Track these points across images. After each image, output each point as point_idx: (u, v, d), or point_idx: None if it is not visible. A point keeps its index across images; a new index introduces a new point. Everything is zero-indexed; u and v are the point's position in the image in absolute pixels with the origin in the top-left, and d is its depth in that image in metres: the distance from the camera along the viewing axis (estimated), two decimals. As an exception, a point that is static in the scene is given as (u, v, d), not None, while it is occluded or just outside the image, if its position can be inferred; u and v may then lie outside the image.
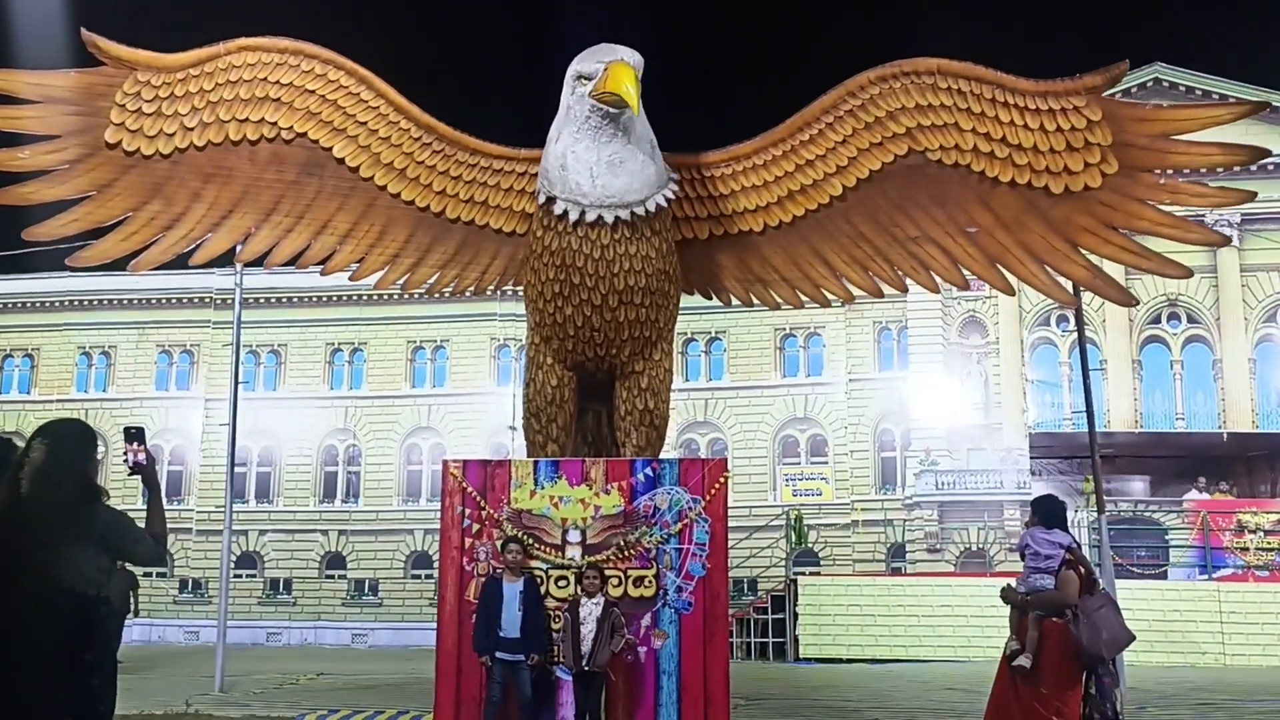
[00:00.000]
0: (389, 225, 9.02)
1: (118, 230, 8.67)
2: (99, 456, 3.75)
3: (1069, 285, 9.50)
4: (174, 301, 38.56)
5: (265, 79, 8.66)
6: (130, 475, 3.91)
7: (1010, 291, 9.28)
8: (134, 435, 3.96)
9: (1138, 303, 10.00)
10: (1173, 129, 8.43)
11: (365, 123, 8.80)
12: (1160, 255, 8.84)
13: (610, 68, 7.95)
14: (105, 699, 3.43)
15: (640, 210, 8.16)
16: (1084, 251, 8.66)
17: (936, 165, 8.59)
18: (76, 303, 39.46)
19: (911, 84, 8.53)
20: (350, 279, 9.41)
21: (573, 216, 8.13)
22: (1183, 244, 9.01)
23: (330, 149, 8.80)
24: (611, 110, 8.04)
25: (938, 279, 8.98)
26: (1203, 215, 28.56)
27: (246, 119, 8.66)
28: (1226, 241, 9.14)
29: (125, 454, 3.89)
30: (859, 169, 8.71)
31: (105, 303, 39.27)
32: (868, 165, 8.70)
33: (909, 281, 9.32)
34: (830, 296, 9.34)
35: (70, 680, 3.33)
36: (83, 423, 3.78)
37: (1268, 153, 8.07)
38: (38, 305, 39.59)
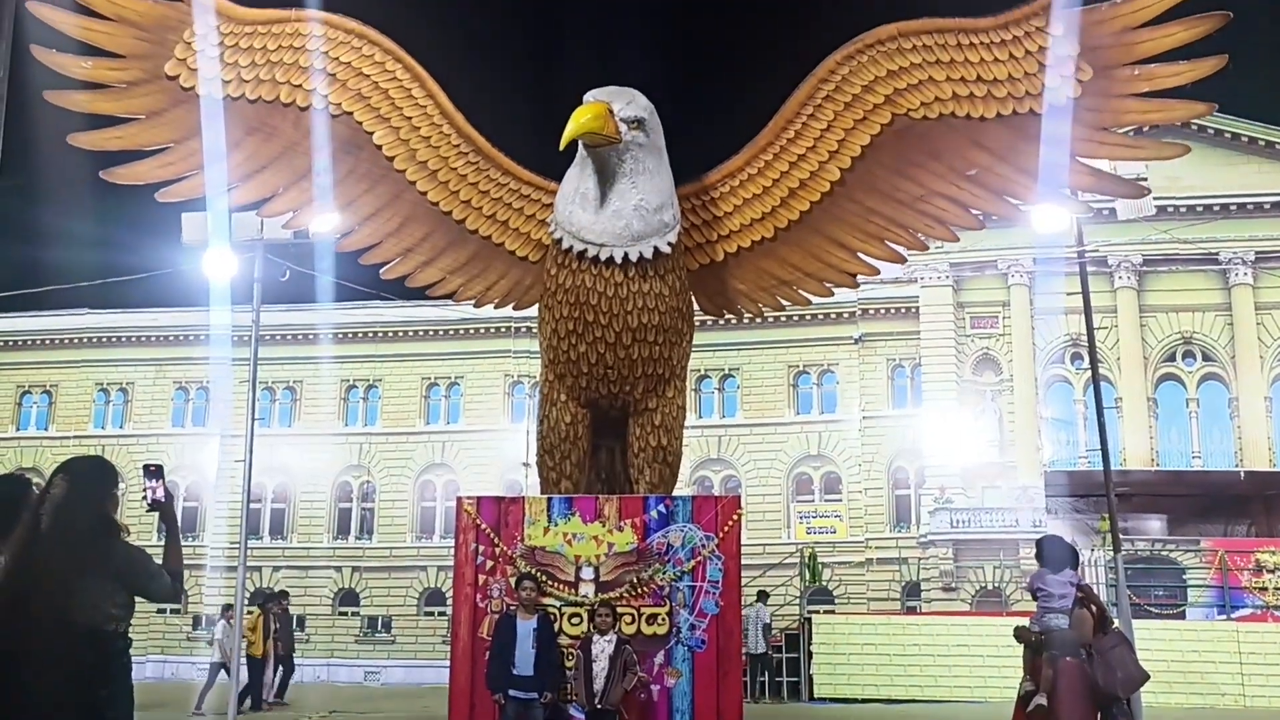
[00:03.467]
0: (410, 219, 9.21)
1: (156, 157, 8.96)
2: (118, 493, 3.79)
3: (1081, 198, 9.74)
4: (190, 338, 38.81)
5: (325, 52, 8.92)
6: (149, 512, 3.95)
7: (1019, 215, 9.59)
8: (153, 472, 3.99)
9: (1148, 193, 10.11)
10: (1134, 20, 8.59)
11: (410, 118, 9.02)
12: (1154, 141, 9.10)
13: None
14: None
15: (635, 254, 8.22)
16: (1082, 160, 8.84)
17: (923, 122, 8.75)
18: (94, 339, 39.73)
19: (878, 53, 8.71)
20: (359, 261, 9.55)
21: (576, 249, 8.24)
22: (1171, 123, 9.26)
23: (371, 133, 9.03)
24: (594, 150, 8.14)
25: (955, 229, 9.12)
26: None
27: (300, 85, 8.93)
28: (1210, 109, 9.13)
29: (144, 490, 3.93)
30: (850, 148, 8.85)
31: (123, 339, 39.53)
32: (858, 142, 8.84)
33: (928, 249, 9.47)
34: (857, 276, 9.45)
35: (86, 715, 3.35)
36: (103, 459, 3.83)
37: (1228, 16, 8.23)
38: (56, 342, 39.87)
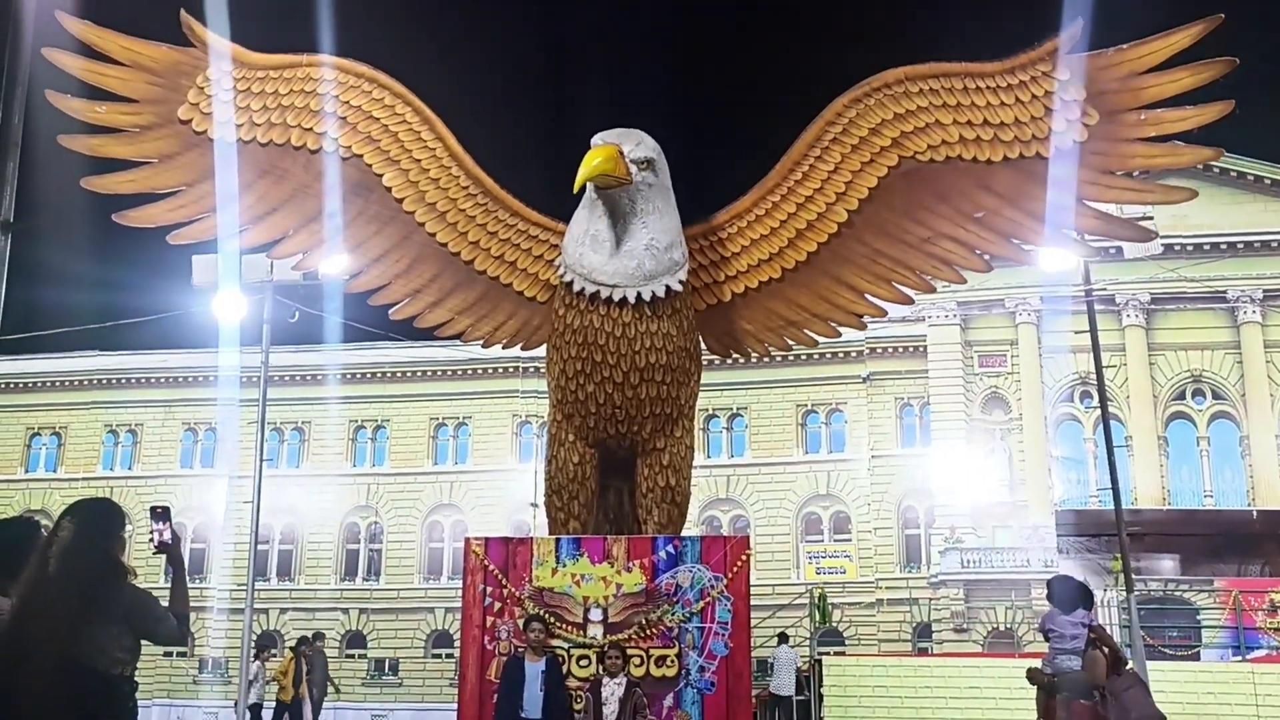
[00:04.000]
0: (419, 260, 9.28)
1: (168, 200, 9.06)
2: (125, 535, 3.79)
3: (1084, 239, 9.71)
4: (199, 379, 38.94)
5: (337, 97, 9.04)
6: (155, 554, 3.93)
7: (1028, 262, 9.50)
8: (160, 514, 3.97)
9: (1156, 236, 10.09)
10: (1140, 65, 8.59)
11: (419, 160, 9.12)
12: (1162, 185, 9.11)
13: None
14: None
15: (648, 293, 8.27)
16: (1089, 203, 8.85)
17: (930, 165, 8.78)
18: (104, 381, 39.89)
19: (885, 96, 8.76)
20: (369, 303, 9.63)
21: (589, 292, 8.28)
22: (1178, 167, 9.25)
23: (381, 176, 9.13)
24: (604, 191, 8.22)
25: (962, 270, 9.14)
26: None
27: (310, 129, 9.04)
28: (1219, 154, 9.17)
29: (151, 533, 3.91)
30: (858, 190, 8.88)
31: (132, 381, 39.69)
32: (865, 184, 8.88)
33: (935, 291, 9.48)
34: (864, 317, 9.47)
35: None
36: (110, 502, 3.82)
37: (1234, 63, 8.27)
38: (66, 384, 40.03)
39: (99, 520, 3.65)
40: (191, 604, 3.84)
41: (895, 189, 8.85)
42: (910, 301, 9.56)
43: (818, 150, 8.87)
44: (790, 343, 9.46)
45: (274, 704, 16.98)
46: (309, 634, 20.22)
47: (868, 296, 9.21)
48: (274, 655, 18.44)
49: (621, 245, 8.28)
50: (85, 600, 3.43)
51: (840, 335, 9.56)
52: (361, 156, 9.12)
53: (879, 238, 9.00)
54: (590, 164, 7.99)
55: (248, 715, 17.26)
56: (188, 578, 3.85)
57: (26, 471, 39.91)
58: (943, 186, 8.85)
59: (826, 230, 8.96)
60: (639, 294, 8.24)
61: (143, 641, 3.61)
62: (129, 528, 3.84)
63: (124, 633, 3.44)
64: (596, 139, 8.31)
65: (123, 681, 3.45)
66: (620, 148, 8.16)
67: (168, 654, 34.17)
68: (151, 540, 3.88)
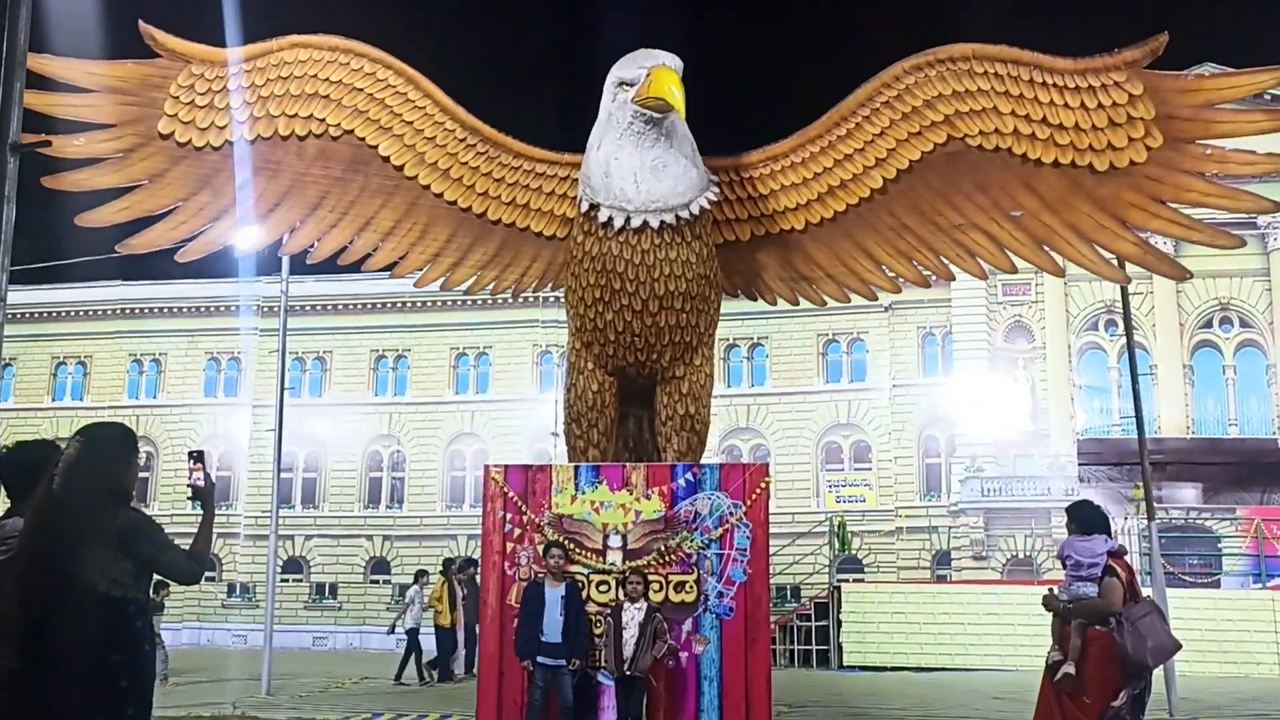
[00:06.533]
0: (430, 224, 9.12)
1: (167, 219, 8.89)
2: (135, 461, 3.76)
3: (1117, 262, 9.41)
4: (222, 309, 39.11)
5: (315, 75, 8.82)
6: (189, 499, 3.92)
7: (1059, 273, 9.20)
8: (195, 456, 3.94)
9: (1190, 275, 9.70)
10: (1216, 98, 8.28)
11: (411, 122, 8.91)
12: (1211, 227, 8.72)
13: (653, 73, 7.97)
14: (136, 701, 3.43)
15: (685, 214, 8.18)
16: (1132, 227, 8.56)
17: (977, 151, 8.51)
18: (128, 310, 40.12)
19: (947, 71, 8.46)
20: (391, 276, 9.52)
21: (618, 223, 8.14)
22: (1233, 212, 8.86)
23: (376, 147, 8.93)
24: (655, 115, 8.06)
25: (985, 265, 8.92)
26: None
27: (295, 115, 8.82)
28: (1277, 207, 8.66)
29: (190, 475, 3.89)
30: (899, 160, 8.65)
31: (155, 310, 39.90)
32: (907, 156, 8.64)
33: (956, 276, 9.26)
34: (876, 290, 9.29)
35: (97, 681, 3.34)
36: (123, 426, 3.78)
37: None
38: (91, 314, 40.30)
39: (105, 443, 3.63)
40: (221, 530, 3.82)
41: (937, 168, 8.59)
42: (927, 284, 9.37)
43: (867, 110, 8.62)
44: (799, 298, 9.30)
45: (433, 629, 16.99)
46: (456, 557, 20.20)
47: (885, 269, 9.03)
48: (429, 581, 18.44)
49: (651, 171, 8.16)
50: (82, 520, 3.42)
51: (849, 301, 9.36)
52: (352, 131, 8.86)
53: (909, 213, 8.78)
54: (673, 87, 7.80)
55: (406, 639, 17.45)
56: (213, 522, 3.80)
57: (53, 400, 40.39)
58: (985, 177, 8.57)
59: (859, 193, 8.74)
60: (663, 220, 8.13)
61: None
62: (150, 452, 3.80)
63: (122, 557, 3.42)
64: (665, 59, 8.07)
65: (127, 603, 3.44)
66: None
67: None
68: (189, 482, 3.87)
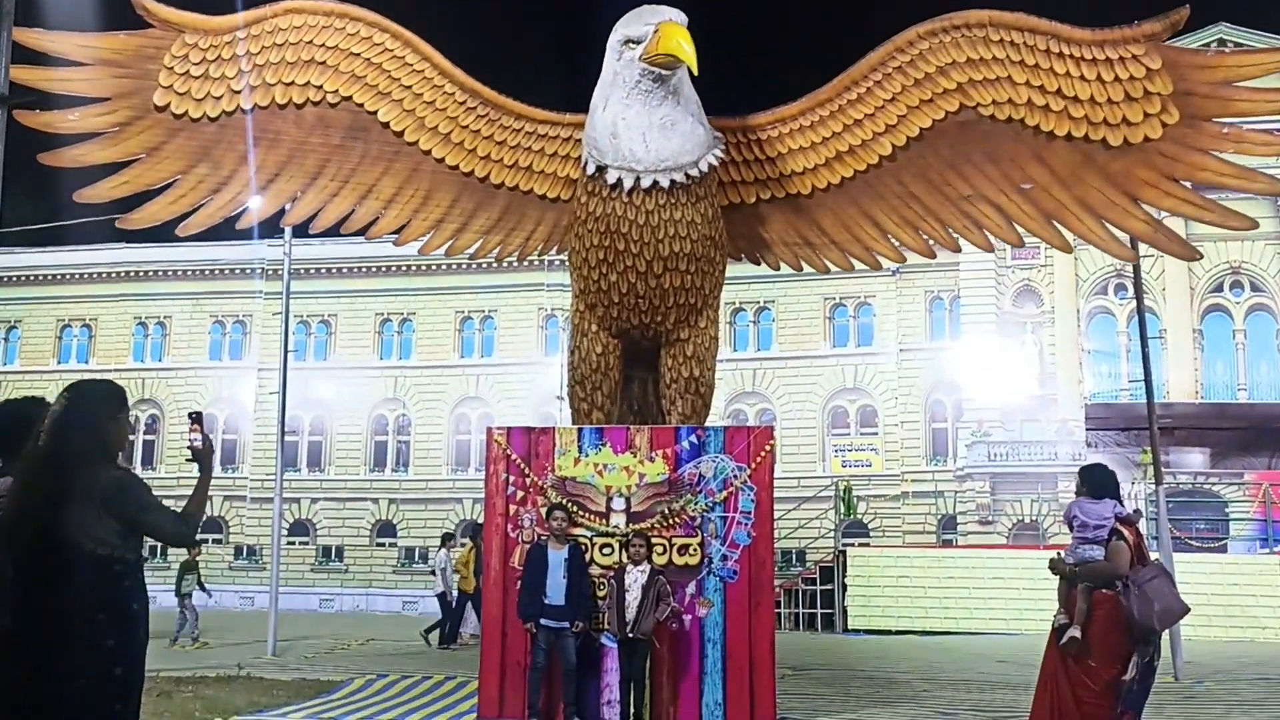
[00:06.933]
0: (433, 190, 8.99)
1: (166, 193, 8.76)
2: (127, 419, 3.67)
3: (1128, 240, 9.25)
4: (227, 272, 39.02)
5: (311, 42, 8.65)
6: (188, 460, 3.86)
7: (1067, 249, 9.05)
8: (194, 418, 3.87)
9: (1200, 256, 9.57)
10: (1236, 75, 8.11)
11: (410, 86, 8.75)
12: (1224, 206, 8.55)
13: (661, 28, 7.83)
14: (124, 661, 3.37)
15: (694, 172, 8.07)
16: (1144, 205, 8.40)
17: (989, 121, 8.36)
18: (132, 274, 40.03)
19: (962, 37, 8.29)
20: (395, 244, 9.41)
21: (627, 184, 8.03)
22: (1247, 194, 8.69)
23: (375, 113, 8.79)
24: (663, 73, 7.93)
25: (992, 238, 8.78)
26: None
27: (292, 82, 8.67)
28: None
29: (189, 436, 3.82)
30: (909, 127, 8.51)
31: (160, 274, 39.81)
32: (918, 123, 8.49)
33: (962, 248, 9.12)
34: (881, 259, 9.17)
35: (82, 640, 3.28)
36: (110, 383, 3.68)
37: None
38: (95, 276, 40.22)
39: (91, 399, 3.55)
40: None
41: (947, 136, 8.44)
42: (932, 255, 9.23)
43: (879, 75, 8.47)
44: (802, 264, 9.18)
45: (457, 594, 17.07)
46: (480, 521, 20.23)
47: (890, 238, 8.90)
48: (456, 546, 18.50)
49: (659, 129, 8.05)
50: (66, 478, 3.36)
51: (853, 269, 9.23)
52: (350, 98, 8.72)
53: (917, 181, 8.64)
54: (683, 42, 7.66)
55: (438, 603, 17.61)
56: (209, 486, 3.70)
57: (59, 363, 40.38)
58: (996, 147, 8.41)
59: (868, 159, 8.61)
60: (672, 180, 8.02)
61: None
62: (134, 413, 3.72)
63: (106, 515, 3.35)
64: (673, 15, 7.92)
65: (113, 562, 3.37)
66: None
67: (204, 541, 34.95)
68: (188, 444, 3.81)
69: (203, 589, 17.02)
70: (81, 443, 3.42)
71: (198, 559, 17.15)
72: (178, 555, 20.56)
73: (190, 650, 15.22)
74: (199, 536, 27.36)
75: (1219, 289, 33.50)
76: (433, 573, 18.30)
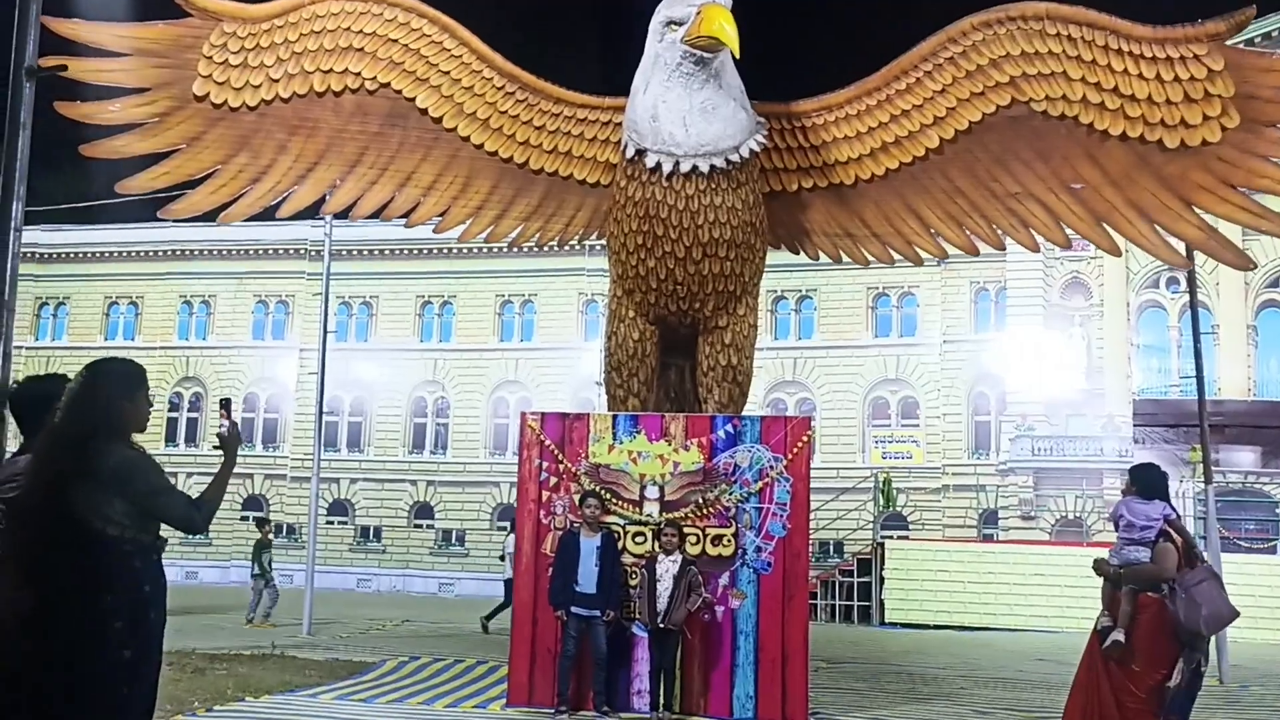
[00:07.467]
0: (472, 177, 8.93)
1: (207, 183, 8.75)
2: (146, 398, 3.59)
3: (1180, 246, 8.97)
4: (270, 252, 39.32)
5: (349, 29, 8.61)
6: (215, 447, 3.80)
7: (1116, 252, 8.80)
8: (223, 404, 3.84)
9: (1254, 266, 9.30)
10: None
11: (448, 72, 8.69)
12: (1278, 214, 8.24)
13: (704, 10, 7.70)
14: (133, 644, 3.30)
15: (735, 157, 7.94)
16: (1198, 210, 8.13)
17: (1041, 117, 8.13)
18: (179, 252, 40.48)
19: (1017, 30, 8.06)
20: (434, 231, 9.36)
21: (666, 168, 7.93)
22: None
23: (413, 99, 8.73)
24: (705, 55, 7.80)
25: (1038, 237, 8.56)
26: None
27: (330, 70, 8.63)
28: None
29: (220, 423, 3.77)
30: (958, 120, 8.30)
31: (205, 253, 40.21)
32: (967, 116, 8.29)
33: (1007, 240, 8.90)
34: (923, 254, 8.98)
35: (90, 621, 3.22)
36: (130, 362, 3.63)
37: None
38: (144, 255, 40.71)
39: (109, 378, 3.50)
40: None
41: (997, 131, 8.22)
42: (975, 252, 9.01)
43: (929, 65, 8.27)
44: (842, 254, 9.01)
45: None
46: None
47: (933, 232, 8.70)
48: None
49: (700, 113, 7.93)
50: (76, 456, 3.30)
51: (894, 263, 9.04)
52: (389, 84, 8.66)
53: (964, 176, 8.43)
54: (726, 24, 7.53)
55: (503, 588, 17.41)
56: (229, 474, 3.62)
57: (106, 340, 40.94)
58: (1047, 144, 8.17)
59: (914, 151, 8.41)
60: (712, 165, 7.90)
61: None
62: (153, 393, 3.66)
63: (114, 495, 3.29)
64: None
65: (123, 542, 3.31)
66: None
67: (243, 518, 35.34)
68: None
69: (265, 572, 16.51)
70: (95, 421, 3.36)
71: (270, 537, 17.18)
72: (248, 534, 20.43)
73: (259, 628, 15.28)
74: (262, 516, 27.67)
75: (1275, 284, 32.72)
76: (501, 558, 18.29)
